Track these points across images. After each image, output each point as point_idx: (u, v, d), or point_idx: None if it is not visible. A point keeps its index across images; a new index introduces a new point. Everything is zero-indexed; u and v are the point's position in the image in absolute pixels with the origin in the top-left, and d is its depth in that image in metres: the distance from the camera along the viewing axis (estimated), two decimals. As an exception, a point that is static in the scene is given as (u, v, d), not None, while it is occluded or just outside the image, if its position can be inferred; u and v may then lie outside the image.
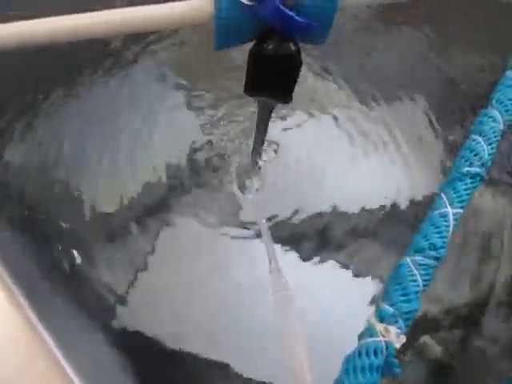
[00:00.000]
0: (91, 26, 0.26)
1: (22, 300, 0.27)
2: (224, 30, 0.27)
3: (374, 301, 0.39)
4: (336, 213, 0.45)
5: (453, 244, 0.42)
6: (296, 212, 0.44)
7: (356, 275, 0.41)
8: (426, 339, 0.38)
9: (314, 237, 0.43)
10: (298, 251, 0.42)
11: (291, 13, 0.26)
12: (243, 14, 0.26)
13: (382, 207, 0.45)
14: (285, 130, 0.50)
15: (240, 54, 0.30)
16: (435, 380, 0.38)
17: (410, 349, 0.37)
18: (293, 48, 0.28)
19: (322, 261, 0.42)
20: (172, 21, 0.27)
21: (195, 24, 0.27)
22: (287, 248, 0.42)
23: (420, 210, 0.44)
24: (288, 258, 0.42)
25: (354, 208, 0.45)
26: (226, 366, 0.37)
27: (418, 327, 0.38)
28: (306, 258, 0.42)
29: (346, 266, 0.42)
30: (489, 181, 0.46)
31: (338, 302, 0.40)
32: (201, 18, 0.27)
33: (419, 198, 0.46)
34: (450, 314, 0.40)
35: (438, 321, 0.39)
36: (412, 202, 0.45)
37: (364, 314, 0.37)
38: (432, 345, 0.38)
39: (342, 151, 0.49)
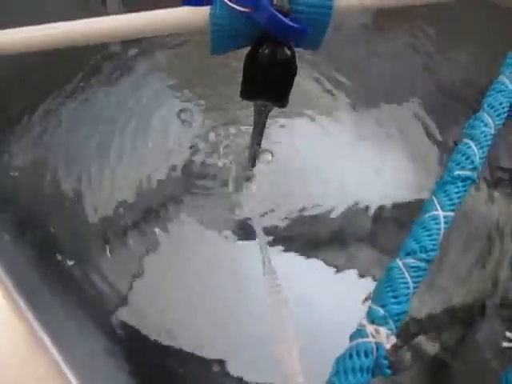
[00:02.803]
0: (89, 32, 0.27)
1: (22, 302, 0.28)
2: (220, 35, 0.27)
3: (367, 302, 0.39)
4: (333, 214, 0.45)
5: (452, 244, 0.42)
6: (293, 214, 0.45)
7: (353, 277, 0.42)
8: (422, 338, 0.38)
9: (311, 238, 0.44)
10: (293, 253, 0.43)
11: (286, 19, 0.26)
12: (239, 19, 0.27)
13: (380, 209, 0.45)
14: (280, 132, 0.50)
15: (238, 59, 0.30)
16: (432, 379, 0.38)
17: (406, 348, 0.37)
18: (288, 53, 0.28)
19: (318, 262, 0.42)
20: (168, 26, 0.27)
21: (191, 30, 0.28)
22: (282, 249, 0.43)
23: (415, 213, 0.44)
24: (284, 260, 0.42)
25: (351, 210, 0.45)
26: (225, 366, 0.37)
27: (414, 326, 0.38)
28: (302, 259, 0.42)
29: (342, 268, 0.42)
30: (496, 181, 0.46)
31: (334, 303, 0.40)
32: (197, 24, 0.27)
33: (417, 200, 0.46)
34: (447, 313, 0.40)
35: (435, 320, 0.39)
36: (410, 205, 0.46)
37: (359, 316, 0.37)
38: (429, 344, 0.38)
39: (339, 154, 0.49)
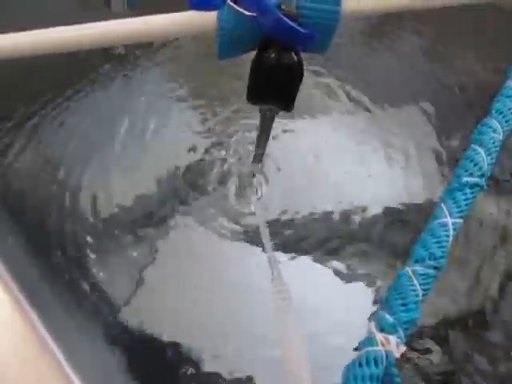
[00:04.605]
0: (96, 37, 0.26)
1: (24, 302, 0.28)
2: (226, 40, 0.27)
3: (374, 307, 0.39)
4: (338, 218, 0.45)
5: (458, 250, 0.42)
6: (297, 217, 0.45)
7: (357, 280, 0.41)
8: (429, 346, 0.38)
9: (315, 242, 0.44)
10: (298, 256, 0.43)
11: (293, 24, 0.26)
12: (246, 24, 0.26)
13: (384, 212, 0.45)
14: (287, 134, 0.50)
15: (242, 62, 0.30)
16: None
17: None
18: (294, 57, 0.28)
19: (323, 265, 0.42)
20: (175, 31, 0.27)
21: (198, 34, 0.27)
22: (288, 252, 0.43)
23: (421, 216, 0.44)
24: (289, 263, 0.42)
25: (356, 213, 0.45)
26: (226, 369, 0.37)
27: (421, 335, 0.38)
28: (307, 262, 0.42)
29: (347, 271, 0.42)
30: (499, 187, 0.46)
31: (338, 307, 0.40)
32: (204, 29, 0.27)
33: (420, 203, 0.46)
34: (453, 322, 0.39)
35: (441, 328, 0.39)
36: (413, 208, 0.46)
37: (365, 320, 0.37)
38: (435, 352, 0.38)
39: (344, 156, 0.49)
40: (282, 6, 0.26)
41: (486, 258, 0.42)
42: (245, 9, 0.26)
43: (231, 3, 0.26)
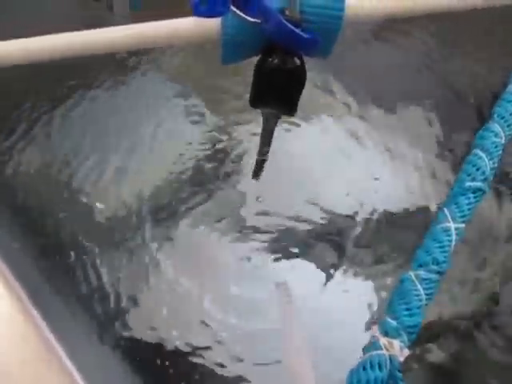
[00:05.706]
0: (99, 42, 0.27)
1: (26, 301, 0.28)
2: (230, 45, 0.27)
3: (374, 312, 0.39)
4: (339, 221, 0.45)
5: (458, 250, 0.42)
6: (298, 220, 0.45)
7: (360, 284, 0.42)
8: (429, 345, 0.38)
9: (316, 244, 0.44)
10: (300, 258, 0.43)
11: (296, 29, 0.26)
12: (249, 30, 0.27)
13: (386, 215, 0.45)
14: (288, 135, 0.50)
15: (244, 66, 0.30)
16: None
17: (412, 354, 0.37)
18: (297, 62, 0.28)
19: (325, 268, 0.42)
20: (179, 37, 0.28)
21: (202, 40, 0.28)
22: (290, 255, 0.43)
23: (424, 220, 0.44)
24: (291, 265, 0.42)
25: (357, 216, 0.45)
26: (226, 370, 0.37)
27: (421, 333, 0.38)
28: (308, 264, 0.43)
29: (349, 274, 0.42)
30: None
31: (340, 310, 0.40)
32: (207, 34, 0.27)
33: (422, 207, 0.46)
34: (454, 320, 0.40)
35: (441, 327, 0.39)
36: (415, 212, 0.45)
37: (368, 324, 0.37)
38: (435, 350, 0.38)
39: (345, 159, 0.49)
40: (286, 12, 0.26)
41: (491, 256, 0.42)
42: (248, 15, 0.26)
43: (235, 9, 0.26)
